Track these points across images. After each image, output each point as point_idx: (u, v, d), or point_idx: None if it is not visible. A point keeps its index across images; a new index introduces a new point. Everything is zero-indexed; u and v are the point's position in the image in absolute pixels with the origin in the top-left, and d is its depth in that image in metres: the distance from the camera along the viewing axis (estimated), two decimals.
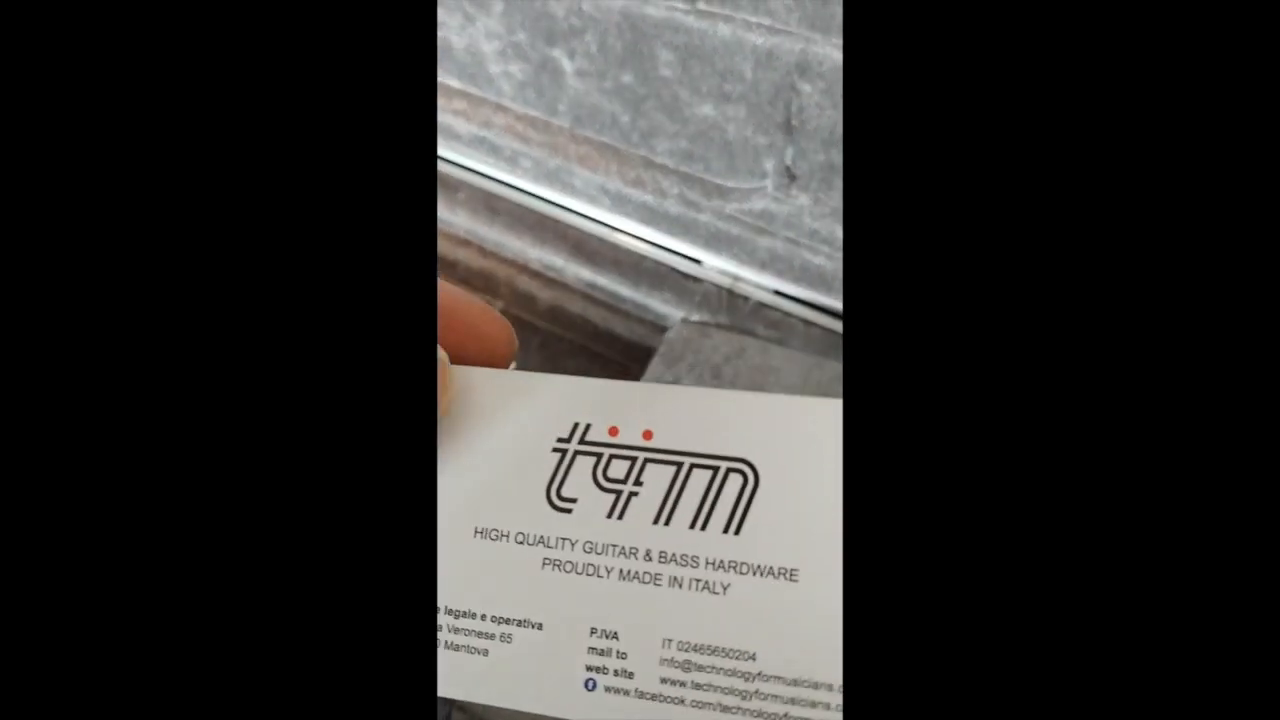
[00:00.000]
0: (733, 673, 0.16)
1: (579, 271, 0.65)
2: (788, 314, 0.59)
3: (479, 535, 0.17)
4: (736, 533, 0.16)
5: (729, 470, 0.16)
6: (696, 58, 0.47)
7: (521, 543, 0.17)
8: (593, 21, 0.49)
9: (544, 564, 0.17)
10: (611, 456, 0.17)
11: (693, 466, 0.16)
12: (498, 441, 0.17)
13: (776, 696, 0.16)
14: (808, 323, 0.59)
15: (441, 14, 0.55)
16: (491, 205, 0.67)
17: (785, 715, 0.15)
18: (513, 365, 0.19)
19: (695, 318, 0.61)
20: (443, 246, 0.68)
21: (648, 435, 0.17)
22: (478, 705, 0.48)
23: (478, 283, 0.67)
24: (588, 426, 0.17)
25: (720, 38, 0.46)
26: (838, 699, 0.15)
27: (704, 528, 0.16)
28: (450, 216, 0.68)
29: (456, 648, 0.17)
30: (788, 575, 0.16)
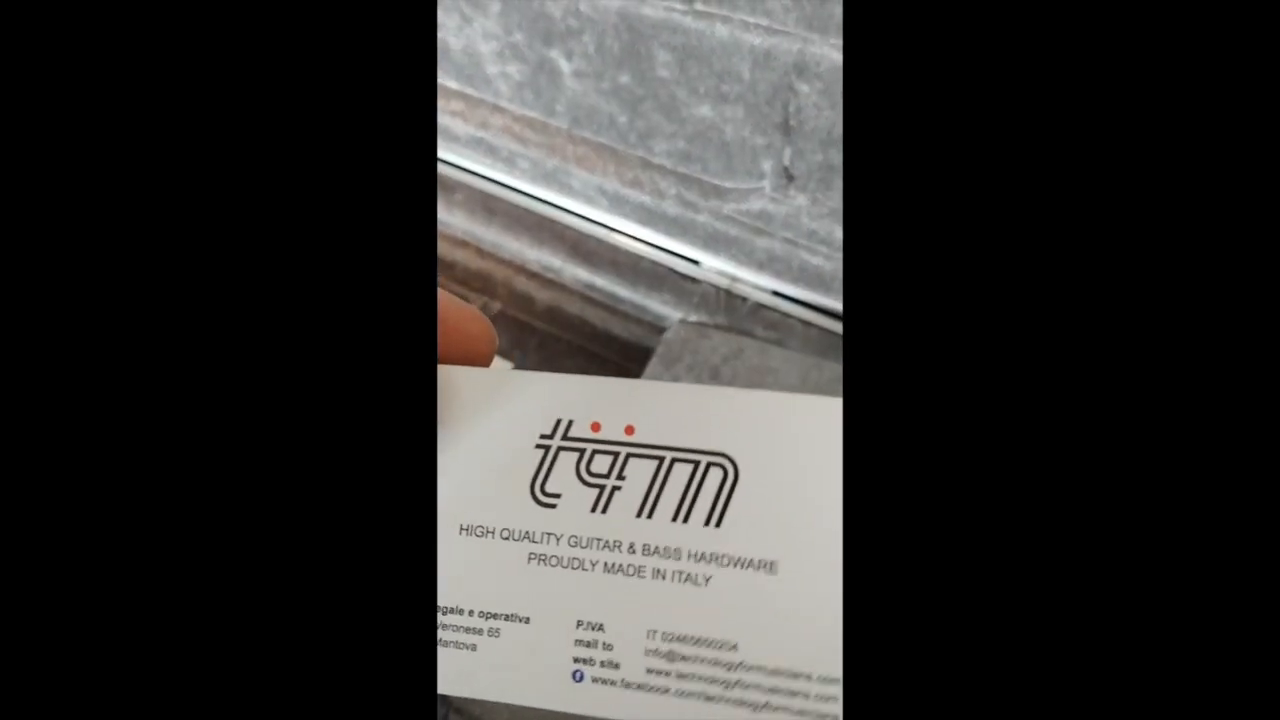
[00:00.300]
0: (715, 662, 0.16)
1: (577, 272, 0.65)
2: (786, 315, 0.59)
3: (464, 532, 0.17)
4: (717, 525, 0.16)
5: (709, 464, 0.16)
6: (694, 58, 0.47)
7: (507, 538, 0.17)
8: (590, 22, 0.49)
9: (530, 559, 0.17)
10: (594, 452, 0.17)
11: (674, 460, 0.17)
12: (481, 439, 0.17)
13: (758, 685, 0.16)
14: (806, 323, 0.59)
15: (439, 15, 0.55)
16: (489, 206, 0.67)
17: (766, 704, 0.16)
18: (510, 366, 0.20)
19: (693, 318, 0.61)
20: (440, 247, 0.68)
21: (629, 430, 0.17)
22: (474, 707, 0.48)
23: (475, 283, 0.67)
24: (570, 423, 0.17)
25: (718, 38, 0.46)
26: (817, 688, 0.16)
27: (685, 521, 0.16)
28: (448, 217, 0.68)
29: (445, 644, 0.17)
30: (767, 567, 0.16)
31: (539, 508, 0.17)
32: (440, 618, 0.17)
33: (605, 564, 0.17)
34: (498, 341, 0.19)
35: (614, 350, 0.64)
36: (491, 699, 0.17)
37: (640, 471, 0.17)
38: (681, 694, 0.16)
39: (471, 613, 0.17)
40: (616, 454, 0.17)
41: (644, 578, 0.16)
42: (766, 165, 0.51)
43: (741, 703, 0.16)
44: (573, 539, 0.17)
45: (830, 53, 0.43)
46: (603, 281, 0.64)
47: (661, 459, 0.17)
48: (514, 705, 0.17)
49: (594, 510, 0.17)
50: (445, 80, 0.60)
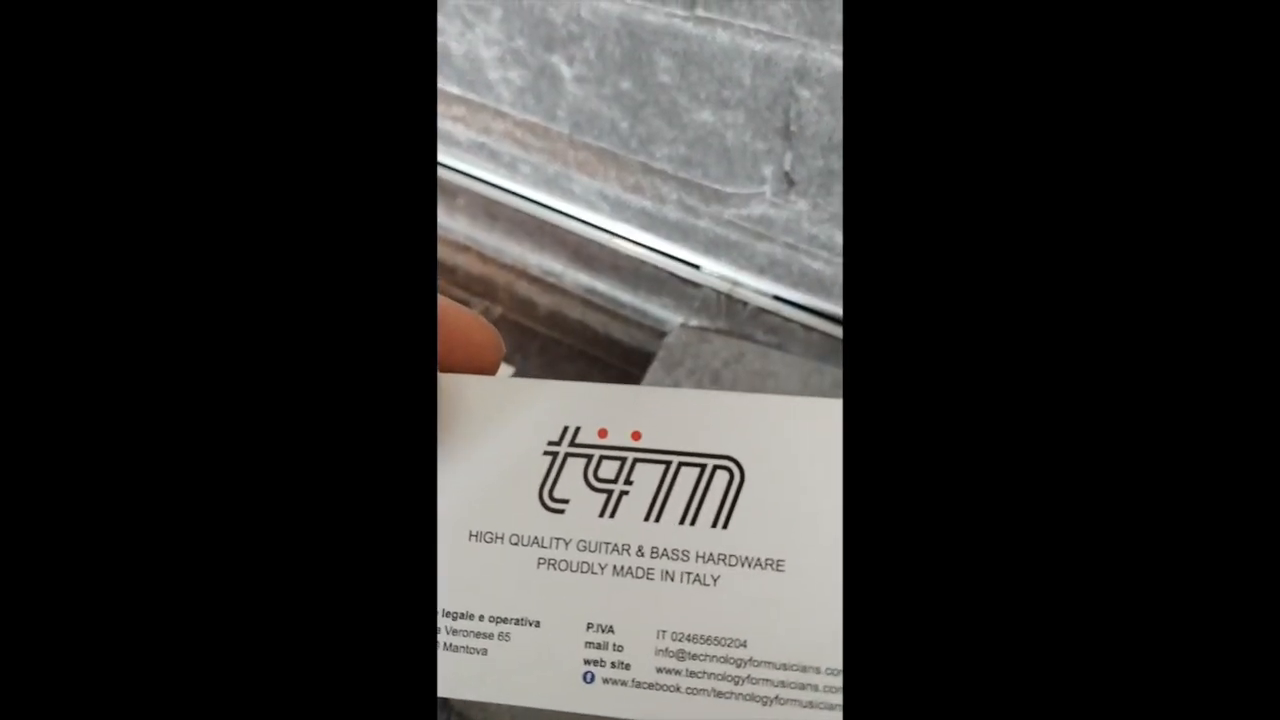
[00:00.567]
0: (725, 660, 0.16)
1: (578, 277, 0.65)
2: (787, 319, 0.59)
3: (474, 539, 0.17)
4: (724, 527, 0.17)
5: (715, 467, 0.17)
6: (695, 64, 0.48)
7: (516, 544, 0.17)
8: (591, 28, 0.50)
9: (539, 564, 0.17)
10: (601, 457, 0.17)
11: (680, 465, 0.17)
12: (489, 447, 0.17)
13: (767, 680, 0.16)
14: (806, 328, 0.59)
15: (440, 20, 0.55)
16: (491, 211, 0.67)
17: (776, 698, 0.16)
18: (511, 371, 0.20)
19: (694, 323, 0.61)
20: (442, 252, 0.68)
21: (636, 436, 0.17)
22: (476, 712, 0.48)
23: (477, 288, 0.67)
24: (577, 429, 0.17)
25: (719, 44, 0.46)
26: (825, 681, 0.16)
27: (693, 523, 0.17)
28: (449, 222, 0.68)
29: (456, 649, 0.17)
30: (774, 566, 0.16)
31: (548, 513, 0.17)
32: (451, 623, 0.17)
33: (614, 567, 0.17)
34: (504, 349, 0.19)
35: (615, 355, 0.65)
36: (503, 702, 0.17)
37: (648, 476, 0.17)
38: (692, 691, 0.16)
39: (482, 618, 0.17)
40: (624, 459, 0.17)
41: (653, 579, 0.17)
42: (767, 170, 0.51)
43: (752, 698, 0.16)
44: (582, 543, 0.17)
45: (830, 58, 0.44)
46: (604, 286, 0.64)
47: (668, 463, 0.17)
48: (518, 709, 0.17)
49: (602, 515, 0.17)
50: (447, 85, 0.60)
